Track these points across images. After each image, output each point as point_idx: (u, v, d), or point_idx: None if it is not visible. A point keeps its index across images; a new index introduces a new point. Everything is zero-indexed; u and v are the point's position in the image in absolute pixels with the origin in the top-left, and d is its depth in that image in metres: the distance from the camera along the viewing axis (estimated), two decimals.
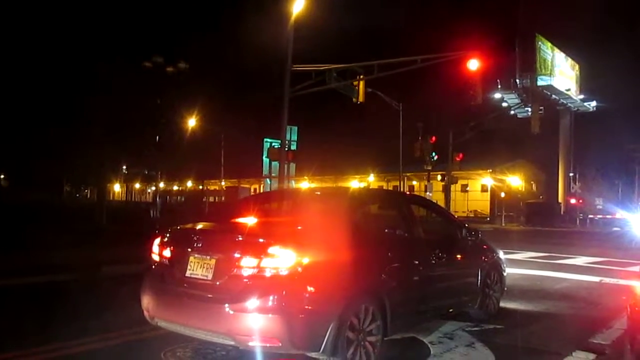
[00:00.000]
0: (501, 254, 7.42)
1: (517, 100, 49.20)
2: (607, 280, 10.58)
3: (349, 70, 19.86)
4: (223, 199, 50.72)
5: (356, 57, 20.91)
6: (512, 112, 50.15)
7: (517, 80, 48.03)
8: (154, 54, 21.63)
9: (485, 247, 7.11)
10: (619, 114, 50.78)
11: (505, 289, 7.51)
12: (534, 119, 34.68)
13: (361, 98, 19.87)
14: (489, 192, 51.10)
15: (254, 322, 4.17)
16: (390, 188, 52.53)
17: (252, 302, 4.18)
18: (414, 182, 55.11)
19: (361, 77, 19.68)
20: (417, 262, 5.60)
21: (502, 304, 7.36)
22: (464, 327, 6.29)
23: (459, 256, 6.44)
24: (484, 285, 6.75)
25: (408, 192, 39.51)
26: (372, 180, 57.02)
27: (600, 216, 41.53)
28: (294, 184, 21.16)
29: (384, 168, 51.27)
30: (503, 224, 40.34)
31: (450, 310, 6.36)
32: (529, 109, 45.76)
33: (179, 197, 43.46)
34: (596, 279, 10.72)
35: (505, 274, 7.41)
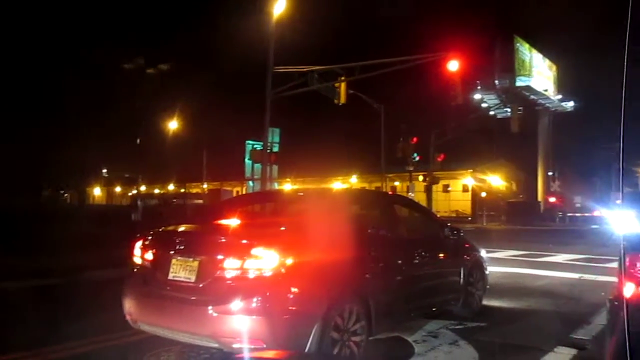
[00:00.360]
0: (483, 253, 7.50)
1: (496, 101, 49.76)
2: (586, 276, 10.74)
3: (331, 72, 19.92)
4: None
5: (338, 59, 20.94)
6: (491, 113, 50.69)
7: (497, 81, 48.59)
8: (135, 56, 21.46)
9: (467, 245, 7.18)
10: (596, 113, 51.61)
11: (488, 287, 7.59)
12: (513, 119, 35.14)
13: (343, 99, 19.92)
14: (470, 192, 51.53)
15: (238, 323, 4.16)
16: (372, 189, 52.69)
17: (236, 304, 4.17)
18: (397, 183, 55.29)
19: (342, 78, 19.74)
20: (400, 262, 5.64)
21: (484, 302, 7.44)
22: (448, 326, 6.33)
23: (441, 255, 6.50)
24: (467, 284, 6.82)
25: (391, 192, 39.71)
26: (354, 181, 57.12)
27: (579, 214, 42.13)
28: (276, 186, 21.11)
29: (367, 169, 51.46)
30: (484, 223, 40.69)
31: (434, 308, 6.41)
32: (508, 110, 46.26)
33: (154, 200, 42.75)
34: (576, 275, 10.89)
35: (487, 272, 7.49)
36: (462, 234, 6.84)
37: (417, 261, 5.82)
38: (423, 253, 5.92)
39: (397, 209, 6.28)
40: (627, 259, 4.08)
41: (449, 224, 6.92)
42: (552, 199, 45.48)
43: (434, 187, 43.87)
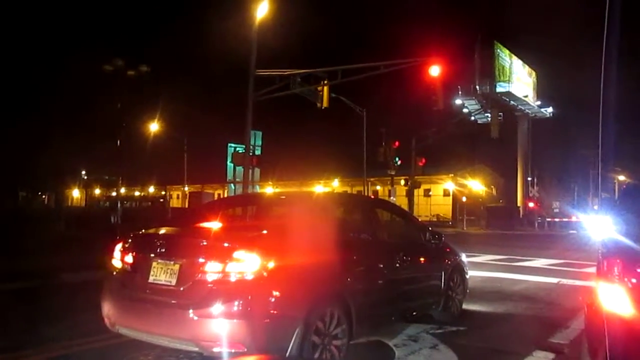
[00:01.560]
0: (463, 257, 7.56)
1: (477, 106, 50.32)
2: (564, 281, 10.89)
3: (313, 76, 19.95)
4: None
5: (321, 62, 21.06)
6: (472, 118, 51.26)
7: (477, 87, 49.17)
8: (115, 57, 21.22)
9: (448, 250, 7.23)
10: (575, 119, 52.56)
11: (468, 291, 7.65)
12: (493, 125, 35.57)
13: (325, 103, 19.96)
14: (451, 197, 51.98)
15: (219, 327, 4.13)
16: (355, 193, 52.88)
17: (217, 308, 4.14)
18: (378, 187, 55.54)
19: (325, 82, 19.79)
20: (381, 266, 5.65)
21: (464, 306, 7.49)
22: (428, 330, 6.37)
23: (422, 259, 6.53)
24: (447, 288, 6.86)
25: (372, 196, 39.79)
26: (336, 185, 57.22)
27: (558, 219, 42.68)
28: (258, 189, 21.05)
29: (348, 173, 51.58)
30: (464, 228, 41.04)
31: (415, 312, 6.44)
32: (489, 115, 46.86)
33: (130, 203, 41.93)
34: (554, 280, 11.03)
35: (467, 276, 7.55)
36: (442, 238, 6.88)
37: (397, 265, 5.84)
38: (404, 257, 5.94)
39: (379, 212, 6.30)
40: (605, 264, 4.15)
41: (430, 228, 6.96)
42: (531, 204, 46.03)
43: (415, 191, 44.10)
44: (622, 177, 29.22)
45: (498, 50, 49.68)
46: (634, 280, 3.98)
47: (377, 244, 5.78)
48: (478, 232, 38.11)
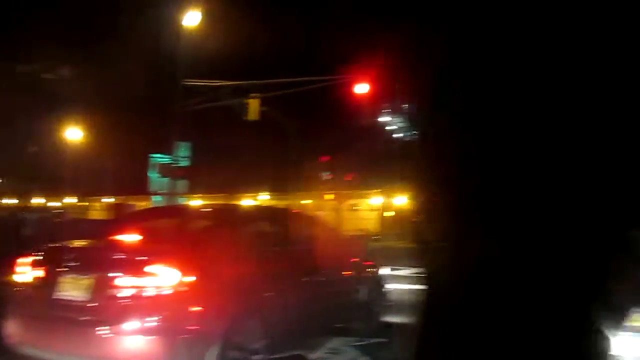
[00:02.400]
0: (384, 270, 7.71)
1: (404, 124, 51.83)
2: None
3: (243, 88, 19.86)
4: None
5: (252, 75, 20.92)
6: (398, 135, 52.70)
7: (404, 105, 50.69)
8: (30, 61, 20.16)
9: (369, 263, 7.35)
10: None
11: (389, 304, 7.78)
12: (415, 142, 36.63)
13: (254, 116, 19.88)
14: (378, 211, 53.01)
15: (134, 345, 3.98)
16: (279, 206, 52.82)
17: (131, 324, 3.99)
18: (308, 201, 55.74)
19: (254, 95, 19.74)
20: (302, 279, 5.66)
21: (385, 319, 7.62)
22: (349, 343, 6.41)
23: (344, 272, 6.60)
24: (368, 301, 6.95)
25: (295, 209, 39.78)
26: (265, 198, 56.94)
27: None
28: (184, 201, 20.60)
29: (278, 187, 51.41)
30: (391, 242, 41.94)
31: (336, 326, 6.47)
32: (415, 133, 48.27)
33: (47, 213, 39.53)
34: None
35: (387, 289, 7.69)
36: (364, 252, 6.99)
37: (319, 278, 5.87)
38: (325, 270, 5.98)
39: (301, 226, 6.31)
40: None
41: (352, 241, 7.06)
42: None
43: (344, 205, 44.74)
44: None
45: None
46: None
47: (298, 257, 5.78)
48: (404, 246, 39.01)
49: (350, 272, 6.73)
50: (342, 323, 6.59)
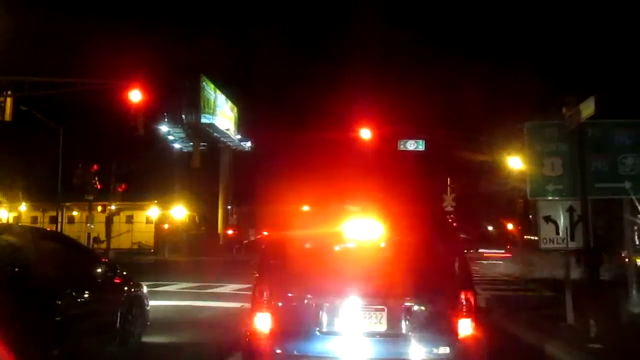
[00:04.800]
0: (144, 289, 7.44)
1: (183, 135, 51.16)
2: (247, 305, 11.55)
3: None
4: None
5: (11, 71, 18.33)
6: (178, 146, 51.85)
7: (183, 116, 50.06)
8: None
9: (125, 282, 7.01)
10: (270, 153, 58.03)
11: (149, 323, 7.53)
12: (195, 154, 36.57)
13: (7, 117, 17.57)
14: (153, 224, 51.13)
15: None
16: (47, 219, 47.64)
17: None
18: (75, 213, 51.09)
19: (9, 93, 17.48)
20: (45, 303, 5.14)
21: (146, 339, 7.34)
22: None
23: (94, 294, 6.12)
24: (124, 322, 6.62)
25: (43, 228, 35.72)
26: (24, 209, 50.62)
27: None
28: None
29: (40, 196, 45.99)
30: (166, 255, 40.75)
31: (87, 351, 6.02)
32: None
33: None
34: (238, 304, 11.61)
35: (148, 308, 7.44)
36: (119, 270, 6.65)
37: (62, 302, 5.38)
38: (73, 292, 5.52)
39: (45, 244, 5.74)
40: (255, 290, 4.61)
41: (105, 260, 6.66)
42: (230, 231, 48.52)
43: (117, 218, 42.08)
44: None
45: (204, 83, 51.66)
46: (280, 304, 4.52)
47: (41, 280, 5.23)
48: (179, 259, 38.20)
49: (102, 293, 6.29)
50: (96, 347, 6.14)
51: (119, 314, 6.49)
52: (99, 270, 6.21)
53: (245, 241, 45.94)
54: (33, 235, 5.93)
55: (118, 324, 6.47)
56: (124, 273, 7.00)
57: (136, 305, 6.99)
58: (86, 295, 5.91)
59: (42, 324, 5.05)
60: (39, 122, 28.80)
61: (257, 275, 4.73)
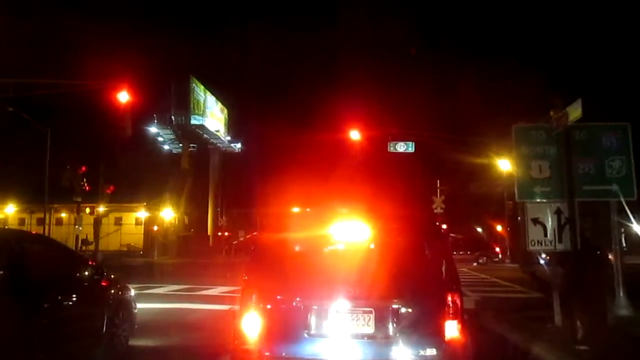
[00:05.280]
0: (132, 292, 7.38)
1: (172, 136, 50.93)
2: (236, 307, 11.51)
3: None
4: None
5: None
6: (167, 147, 51.61)
7: (173, 117, 49.84)
8: None
9: (112, 284, 6.94)
10: (259, 154, 57.98)
11: (136, 326, 7.47)
12: (184, 156, 36.42)
13: None
14: (143, 225, 50.87)
15: None
16: (34, 220, 47.29)
17: None
18: (63, 215, 50.77)
19: None
20: (29, 307, 5.07)
21: (133, 342, 7.28)
22: None
23: (80, 297, 6.04)
24: (111, 325, 6.54)
25: (27, 230, 35.13)
26: (12, 212, 50.20)
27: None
28: None
29: (28, 198, 45.53)
30: (156, 257, 40.54)
31: (73, 355, 5.95)
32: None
33: None
34: (226, 307, 11.55)
35: (135, 311, 7.37)
36: (105, 273, 6.58)
37: (47, 305, 5.31)
38: (58, 296, 5.45)
39: (28, 247, 5.66)
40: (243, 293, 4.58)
41: (91, 263, 6.60)
42: (219, 233, 48.36)
43: (106, 220, 41.80)
44: None
45: (194, 85, 51.48)
46: (268, 307, 4.51)
47: (23, 283, 5.15)
48: (168, 261, 38.03)
49: (88, 296, 6.22)
50: (81, 351, 6.07)
51: (105, 317, 6.42)
52: (85, 273, 6.17)
53: (234, 242, 45.83)
54: (16, 238, 5.83)
55: (104, 328, 6.39)
56: (111, 276, 6.93)
57: (123, 309, 6.92)
58: (72, 299, 5.84)
59: (27, 328, 4.98)
60: (26, 123, 28.53)
61: (246, 277, 4.71)
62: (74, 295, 5.87)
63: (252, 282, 4.66)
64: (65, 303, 5.65)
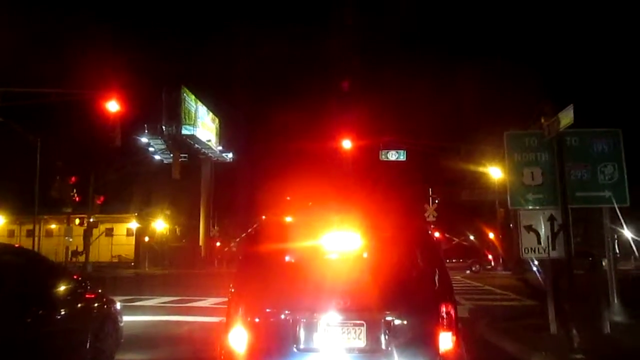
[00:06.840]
0: (117, 305, 7.20)
1: (163, 146, 50.67)
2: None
3: None
4: None
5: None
6: (158, 157, 51.34)
7: (164, 127, 49.61)
8: None
9: (97, 298, 6.76)
10: (251, 164, 57.85)
11: (123, 340, 7.28)
12: (175, 166, 36.26)
13: None
14: (134, 236, 50.43)
15: None
16: (24, 232, 46.78)
17: None
18: (53, 226, 50.27)
19: None
20: (10, 322, 4.89)
21: (120, 356, 7.09)
22: None
23: (63, 311, 5.88)
24: (96, 340, 6.35)
25: (5, 242, 34.96)
26: (1, 223, 49.60)
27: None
28: None
29: (18, 209, 44.95)
30: (147, 268, 40.18)
31: None
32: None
33: None
34: (217, 319, 11.34)
35: (122, 324, 7.18)
36: (89, 287, 6.39)
37: (28, 320, 5.12)
38: (39, 311, 5.26)
39: (9, 260, 5.48)
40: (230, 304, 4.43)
41: (76, 277, 6.41)
42: (217, 243, 48.06)
43: (97, 231, 41.44)
44: None
45: (185, 95, 51.30)
46: (256, 320, 4.35)
47: (2, 298, 4.97)
48: (160, 272, 37.68)
49: (71, 310, 6.02)
50: None
51: (89, 332, 6.22)
52: (68, 286, 5.98)
53: (225, 249, 45.59)
54: None
55: (89, 343, 6.20)
56: (98, 290, 6.76)
57: (108, 323, 6.73)
58: (54, 313, 5.65)
59: (8, 344, 4.80)
60: (15, 133, 28.29)
61: (233, 289, 4.55)
62: (56, 310, 5.67)
63: (239, 294, 4.50)
64: (47, 318, 5.46)
